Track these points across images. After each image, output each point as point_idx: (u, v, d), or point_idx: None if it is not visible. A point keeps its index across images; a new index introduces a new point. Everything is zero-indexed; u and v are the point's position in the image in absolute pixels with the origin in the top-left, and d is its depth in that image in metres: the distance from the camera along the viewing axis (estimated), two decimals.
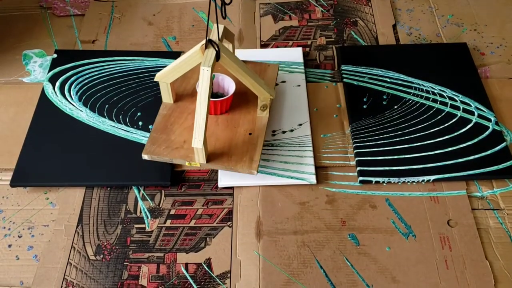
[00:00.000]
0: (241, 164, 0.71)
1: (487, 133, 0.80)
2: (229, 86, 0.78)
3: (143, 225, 0.73)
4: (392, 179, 0.75)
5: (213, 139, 0.74)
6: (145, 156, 0.73)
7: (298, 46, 0.97)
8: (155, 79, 0.74)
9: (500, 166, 0.76)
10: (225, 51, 0.67)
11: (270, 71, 0.84)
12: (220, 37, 0.67)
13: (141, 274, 0.68)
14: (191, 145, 0.69)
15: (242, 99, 0.80)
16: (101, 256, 0.70)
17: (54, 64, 0.92)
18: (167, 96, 0.78)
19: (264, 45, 0.98)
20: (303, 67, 0.91)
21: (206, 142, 0.69)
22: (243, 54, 0.93)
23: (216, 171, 0.78)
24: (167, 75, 0.73)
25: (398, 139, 0.79)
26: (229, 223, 0.73)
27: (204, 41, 0.66)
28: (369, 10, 1.04)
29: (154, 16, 1.04)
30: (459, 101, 0.84)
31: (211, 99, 0.69)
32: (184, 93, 0.81)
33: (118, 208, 0.75)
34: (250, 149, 0.73)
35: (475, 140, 0.79)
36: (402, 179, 0.75)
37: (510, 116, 0.84)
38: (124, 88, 0.88)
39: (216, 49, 0.65)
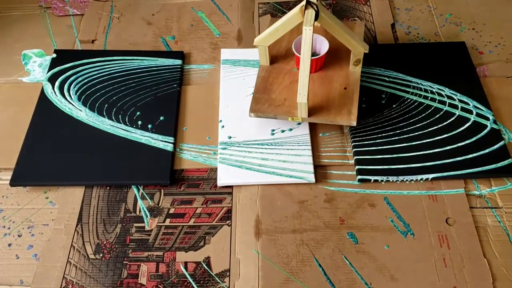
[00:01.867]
0: (340, 116, 0.75)
1: (485, 131, 0.80)
2: (322, 45, 0.82)
3: (142, 224, 0.73)
4: (391, 178, 0.75)
5: (311, 95, 0.77)
6: (251, 114, 0.77)
7: None
8: (254, 43, 0.79)
9: (498, 165, 0.76)
10: (323, 11, 0.71)
11: (357, 28, 0.87)
12: None
13: (140, 272, 0.68)
14: (292, 102, 0.76)
15: (333, 57, 0.84)
16: (101, 255, 0.70)
17: (53, 63, 0.92)
18: (264, 59, 0.83)
19: None
20: None
21: (308, 98, 0.72)
22: (243, 53, 0.94)
23: (215, 170, 0.78)
24: (266, 38, 0.77)
25: (396, 137, 0.80)
26: (228, 222, 0.73)
27: (303, 3, 0.70)
28: (367, 9, 1.04)
29: (153, 15, 1.04)
30: (457, 100, 0.85)
31: None
32: (278, 55, 0.85)
33: (117, 207, 0.75)
34: (347, 103, 0.77)
35: (474, 139, 0.79)
36: (401, 177, 0.75)
37: (508, 114, 0.84)
38: (123, 88, 0.88)
39: (316, 9, 0.69)
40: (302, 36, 0.70)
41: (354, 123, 0.74)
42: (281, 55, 0.85)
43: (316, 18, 0.70)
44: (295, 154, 0.78)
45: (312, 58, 0.77)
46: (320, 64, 0.82)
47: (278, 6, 1.05)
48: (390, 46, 0.95)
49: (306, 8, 0.70)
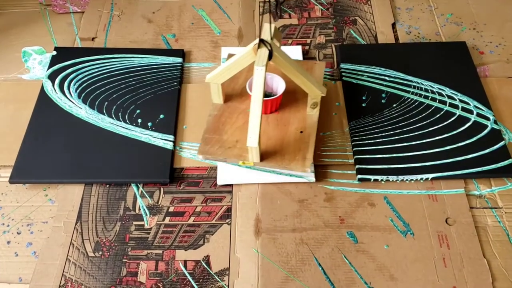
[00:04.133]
0: (294, 162, 0.72)
1: (485, 131, 0.80)
2: (279, 85, 0.78)
3: (142, 222, 0.73)
4: (391, 177, 0.75)
5: (264, 138, 0.75)
6: (200, 157, 0.75)
7: (297, 44, 0.97)
8: (206, 81, 0.75)
9: (499, 165, 0.76)
10: (277, 50, 0.67)
11: (317, 69, 0.84)
12: (272, 36, 0.67)
13: (139, 271, 0.68)
14: (244, 145, 0.71)
15: (291, 97, 0.80)
16: (100, 252, 0.70)
17: (53, 61, 0.92)
18: (217, 97, 0.79)
19: None
20: None
21: (260, 142, 0.69)
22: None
23: (215, 169, 0.78)
24: (218, 76, 0.74)
25: (396, 137, 0.80)
26: (228, 220, 0.73)
27: (256, 41, 0.66)
28: (368, 9, 1.04)
29: (154, 13, 1.04)
30: (458, 100, 0.85)
31: None
32: (233, 93, 0.82)
33: (117, 205, 0.75)
34: (303, 148, 0.74)
35: (474, 139, 0.79)
36: (401, 177, 0.75)
37: (509, 114, 0.84)
38: (123, 86, 0.88)
39: (269, 48, 0.65)
40: (254, 76, 0.65)
41: (308, 170, 0.72)
42: (236, 94, 0.81)
43: (270, 58, 0.66)
44: None
45: (268, 98, 0.75)
46: (276, 105, 0.78)
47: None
48: (391, 46, 0.95)
49: (259, 46, 0.66)
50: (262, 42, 0.66)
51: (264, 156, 0.73)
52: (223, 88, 0.78)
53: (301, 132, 0.76)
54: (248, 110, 0.75)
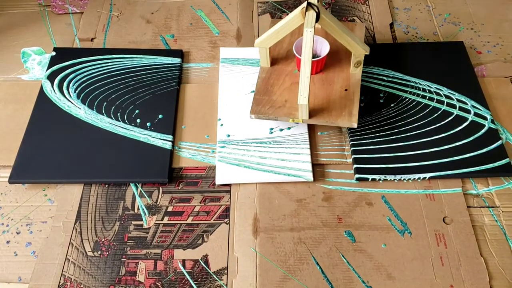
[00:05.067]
0: (341, 118, 0.75)
1: (483, 131, 0.80)
2: (322, 47, 0.81)
3: (140, 222, 0.73)
4: (388, 177, 0.76)
5: (311, 97, 0.78)
6: (252, 116, 0.77)
7: None
8: (255, 45, 0.79)
9: (496, 164, 0.76)
10: (324, 12, 0.71)
11: (358, 30, 0.88)
12: None
13: (138, 270, 0.69)
14: (292, 104, 0.76)
15: (334, 58, 0.84)
16: (99, 252, 0.70)
17: (52, 61, 0.92)
18: (265, 61, 0.83)
19: None
20: None
21: (309, 100, 0.72)
22: (242, 52, 0.94)
23: (214, 168, 0.78)
24: (267, 40, 0.77)
25: (394, 137, 0.80)
26: (226, 220, 0.73)
27: (304, 5, 0.70)
28: (366, 9, 1.04)
29: (153, 14, 1.05)
30: (455, 100, 0.85)
31: None
32: (279, 56, 0.85)
33: (116, 205, 0.75)
34: (348, 104, 0.77)
35: (471, 138, 0.79)
36: (398, 176, 0.75)
37: (506, 114, 0.84)
38: (122, 86, 0.88)
39: (316, 10, 0.69)
40: (303, 37, 0.70)
41: (355, 125, 0.75)
42: (282, 57, 0.85)
43: (317, 20, 0.70)
44: (294, 152, 0.78)
45: (313, 60, 0.77)
46: (321, 66, 0.82)
47: (277, 5, 1.05)
48: (389, 46, 0.96)
49: (307, 9, 0.70)
50: (309, 5, 0.70)
51: (312, 113, 0.76)
52: (270, 52, 0.81)
53: (346, 90, 0.79)
54: (294, 71, 0.82)
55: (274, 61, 0.85)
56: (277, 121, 0.82)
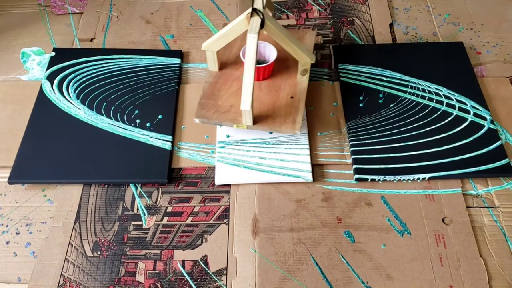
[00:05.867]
0: (285, 125, 0.75)
1: (482, 131, 0.80)
2: (270, 53, 0.81)
3: (140, 222, 0.73)
4: (388, 177, 0.76)
5: (257, 103, 0.78)
6: (196, 120, 0.76)
7: None
8: (202, 48, 0.78)
9: (495, 165, 0.76)
10: (269, 19, 0.71)
11: (308, 38, 0.87)
12: (264, 5, 0.70)
13: (138, 270, 0.69)
14: (238, 109, 0.74)
15: (282, 65, 0.83)
16: (98, 252, 0.70)
17: (52, 62, 0.92)
18: (212, 65, 0.82)
19: None
20: None
21: (252, 106, 0.71)
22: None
23: (213, 169, 0.78)
24: (214, 44, 0.77)
25: (394, 137, 0.80)
26: (225, 220, 0.73)
27: (249, 10, 0.69)
28: (366, 9, 1.04)
29: (152, 14, 1.05)
30: (455, 100, 0.85)
31: None
32: (228, 61, 0.84)
33: (115, 205, 0.75)
34: (293, 112, 0.76)
35: (471, 139, 0.79)
36: (398, 177, 0.76)
37: (506, 114, 0.84)
38: (122, 86, 0.88)
39: (261, 17, 0.69)
40: (247, 43, 0.68)
41: (298, 132, 0.74)
42: (231, 61, 0.84)
43: (262, 26, 0.69)
44: (293, 153, 0.79)
45: (260, 66, 0.78)
46: (269, 72, 0.81)
47: (276, 5, 1.05)
48: (388, 46, 0.96)
49: (252, 15, 0.69)
50: (254, 11, 0.69)
51: (257, 120, 0.75)
52: (218, 56, 0.80)
53: (292, 97, 0.78)
54: (241, 76, 0.80)
55: (223, 65, 0.83)
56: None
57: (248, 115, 0.72)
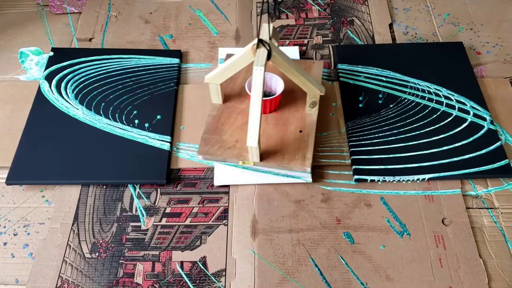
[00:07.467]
0: (294, 162, 0.72)
1: (482, 132, 0.80)
2: (277, 85, 0.78)
3: (138, 223, 0.73)
4: (387, 178, 0.75)
5: (264, 137, 0.75)
6: (199, 157, 0.74)
7: (294, 45, 0.97)
8: (205, 81, 0.74)
9: (495, 165, 0.76)
10: (276, 50, 0.67)
11: (316, 68, 0.84)
12: (270, 35, 0.67)
13: (136, 272, 0.68)
14: (243, 145, 0.71)
15: (290, 97, 0.80)
16: (97, 254, 0.70)
17: (50, 62, 0.92)
18: (216, 97, 0.79)
19: None
20: None
21: (260, 142, 0.69)
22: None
23: (212, 169, 0.78)
24: (217, 76, 0.73)
25: (393, 138, 0.80)
26: (224, 221, 0.73)
27: (255, 41, 0.66)
28: (365, 9, 1.04)
29: (151, 14, 1.04)
30: (454, 100, 0.85)
31: None
32: (232, 93, 0.81)
33: (113, 206, 0.75)
34: (302, 147, 0.74)
35: (470, 139, 0.79)
36: (397, 177, 0.75)
37: (505, 115, 0.84)
38: (120, 87, 0.88)
39: (268, 48, 0.65)
40: (253, 76, 0.65)
41: (309, 170, 0.72)
42: (235, 94, 0.81)
43: (268, 58, 0.66)
44: None
45: (267, 98, 0.75)
46: (275, 104, 0.79)
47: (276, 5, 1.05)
48: (388, 46, 0.95)
49: (258, 47, 0.66)
50: (260, 42, 0.66)
51: (264, 155, 0.73)
52: (222, 88, 0.78)
53: (300, 131, 0.76)
54: (247, 110, 0.77)
55: (227, 98, 0.81)
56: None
57: (255, 151, 0.70)
